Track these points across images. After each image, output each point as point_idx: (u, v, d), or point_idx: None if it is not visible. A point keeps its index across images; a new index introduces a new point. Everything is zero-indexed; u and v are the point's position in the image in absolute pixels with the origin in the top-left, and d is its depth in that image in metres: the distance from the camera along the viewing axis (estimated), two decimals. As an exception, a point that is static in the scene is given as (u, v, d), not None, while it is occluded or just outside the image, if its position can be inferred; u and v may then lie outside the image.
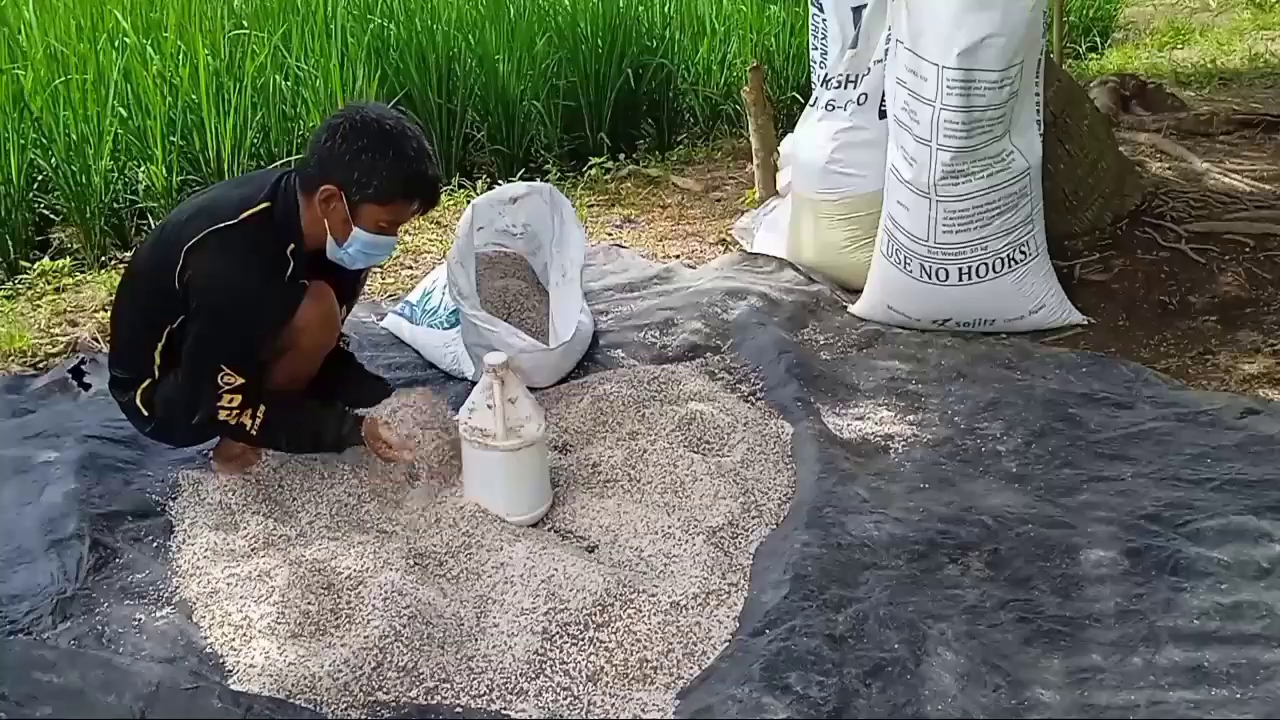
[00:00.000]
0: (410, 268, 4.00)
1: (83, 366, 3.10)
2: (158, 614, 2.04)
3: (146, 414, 2.45)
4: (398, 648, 1.94)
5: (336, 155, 2.23)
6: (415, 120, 2.30)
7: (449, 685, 1.90)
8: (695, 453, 2.55)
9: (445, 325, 3.04)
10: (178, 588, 2.14)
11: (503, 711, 1.85)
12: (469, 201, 3.18)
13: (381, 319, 3.35)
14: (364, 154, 2.22)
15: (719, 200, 4.71)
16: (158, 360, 2.40)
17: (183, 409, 2.37)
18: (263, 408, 2.36)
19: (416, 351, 3.16)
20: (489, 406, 2.28)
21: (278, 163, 4.32)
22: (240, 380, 2.31)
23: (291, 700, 1.84)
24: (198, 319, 2.31)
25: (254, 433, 2.37)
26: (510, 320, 2.97)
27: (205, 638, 2.00)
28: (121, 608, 2.05)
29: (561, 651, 1.96)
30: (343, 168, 2.24)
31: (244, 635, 1.99)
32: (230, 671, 1.91)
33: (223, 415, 2.34)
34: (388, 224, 2.31)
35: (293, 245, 2.33)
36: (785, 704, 1.77)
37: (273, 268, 2.31)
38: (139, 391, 2.44)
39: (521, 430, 2.28)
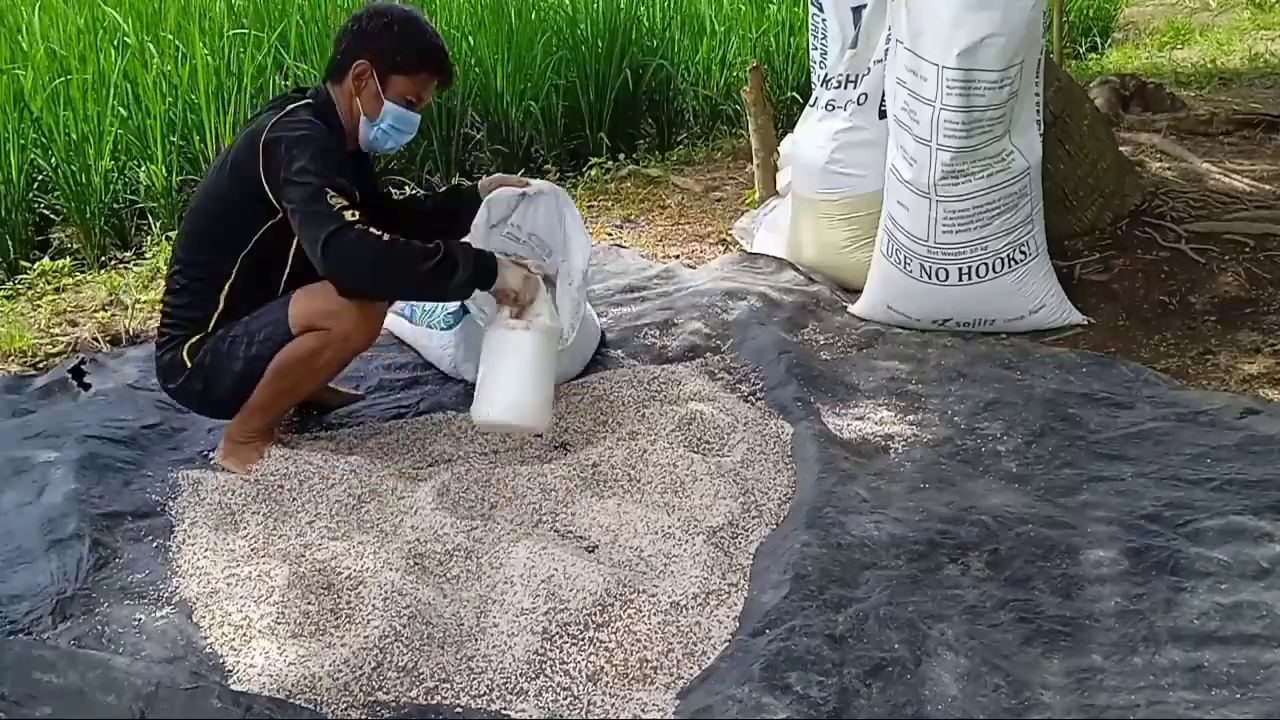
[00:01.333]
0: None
1: (83, 366, 3.10)
2: (158, 614, 2.04)
3: (189, 365, 2.50)
4: (397, 648, 1.94)
5: (367, 33, 2.51)
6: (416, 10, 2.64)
7: (449, 685, 1.90)
8: (695, 453, 2.55)
9: (443, 326, 3.04)
10: (178, 588, 2.13)
11: (503, 711, 1.85)
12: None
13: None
14: (392, 27, 2.50)
15: (719, 200, 4.71)
16: (221, 304, 2.50)
17: (309, 240, 2.37)
18: (384, 232, 2.37)
19: (416, 352, 3.16)
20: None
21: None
22: (346, 201, 2.35)
23: (291, 700, 1.83)
24: (291, 167, 2.38)
25: (386, 243, 2.34)
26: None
27: (205, 638, 1.99)
28: (121, 608, 2.05)
29: (561, 651, 1.96)
30: (374, 40, 2.50)
31: (244, 635, 1.99)
32: (230, 671, 1.91)
33: (349, 216, 2.33)
34: (414, 97, 2.55)
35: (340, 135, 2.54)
36: (785, 704, 1.77)
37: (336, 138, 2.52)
38: (186, 346, 2.50)
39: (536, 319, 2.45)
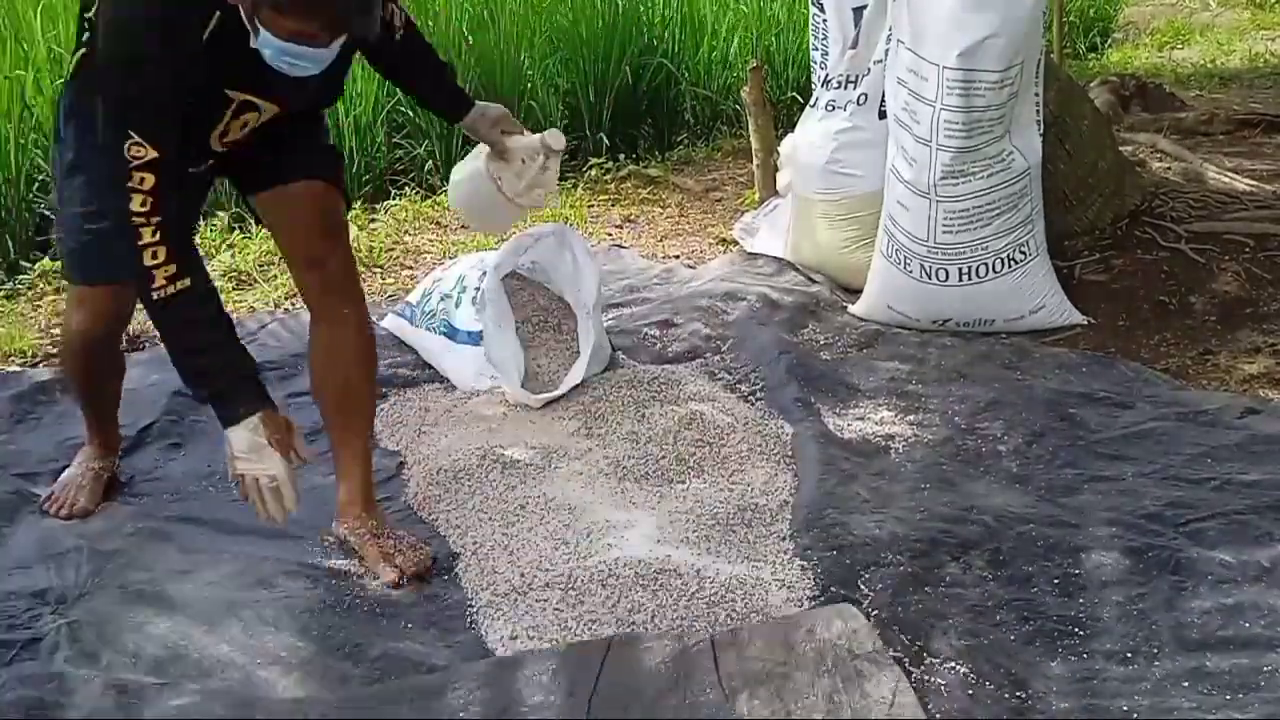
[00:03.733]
0: (410, 268, 4.01)
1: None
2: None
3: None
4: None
5: None
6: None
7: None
8: (695, 453, 2.56)
9: (440, 331, 3.04)
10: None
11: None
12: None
13: (382, 319, 3.34)
14: None
15: (719, 200, 4.71)
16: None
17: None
18: (176, 272, 1.84)
19: (418, 353, 3.16)
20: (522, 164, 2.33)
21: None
22: (153, 154, 1.81)
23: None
24: (99, 67, 1.89)
25: (153, 287, 1.83)
26: (542, 335, 2.99)
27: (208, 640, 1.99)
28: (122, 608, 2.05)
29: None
30: None
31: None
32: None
33: (134, 206, 1.81)
34: (293, 34, 1.80)
35: (219, 13, 1.85)
36: (786, 704, 1.77)
37: (184, 14, 1.85)
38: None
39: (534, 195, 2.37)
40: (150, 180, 1.81)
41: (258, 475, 1.91)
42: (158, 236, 1.82)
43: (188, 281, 1.85)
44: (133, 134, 1.81)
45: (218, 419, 1.93)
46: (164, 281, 1.83)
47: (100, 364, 2.37)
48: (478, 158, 2.39)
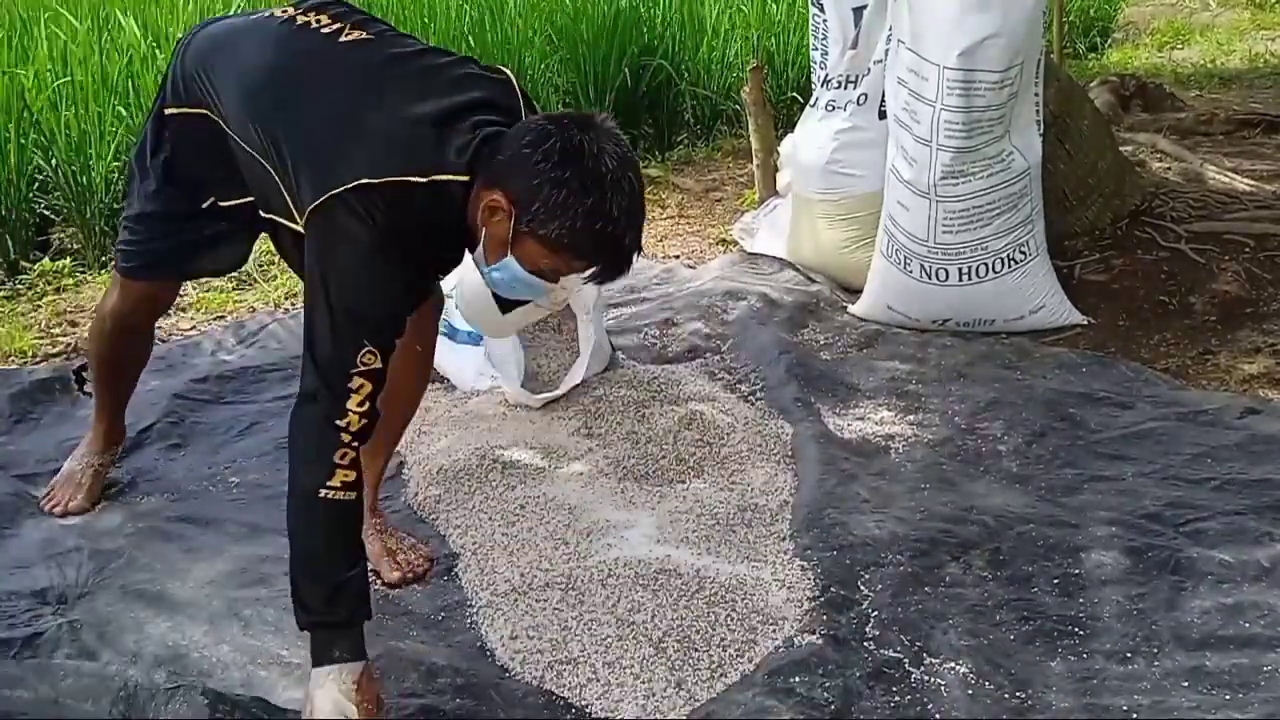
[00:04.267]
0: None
1: (84, 372, 3.09)
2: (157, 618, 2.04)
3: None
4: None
5: (526, 170, 1.69)
6: (639, 165, 1.79)
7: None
8: (695, 453, 2.56)
9: (442, 331, 3.03)
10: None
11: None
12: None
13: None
14: (558, 188, 1.67)
15: (719, 200, 4.70)
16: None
17: (304, 381, 1.77)
18: (356, 499, 1.74)
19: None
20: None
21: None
22: (378, 365, 1.74)
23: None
24: (337, 285, 1.74)
25: (323, 494, 1.70)
26: (542, 335, 2.98)
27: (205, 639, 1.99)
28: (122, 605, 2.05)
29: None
30: (525, 187, 1.69)
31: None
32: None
33: (353, 415, 1.72)
34: (548, 271, 1.76)
35: (455, 227, 1.81)
36: (789, 706, 1.77)
37: (428, 239, 1.81)
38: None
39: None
40: (369, 389, 1.73)
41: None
42: (356, 444, 1.73)
43: (355, 495, 1.73)
44: (367, 343, 1.72)
45: (310, 655, 1.74)
46: (340, 485, 1.71)
47: (127, 348, 2.36)
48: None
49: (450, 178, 1.75)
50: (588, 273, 1.76)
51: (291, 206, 1.85)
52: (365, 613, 1.75)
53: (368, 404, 1.72)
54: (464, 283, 2.37)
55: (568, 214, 1.68)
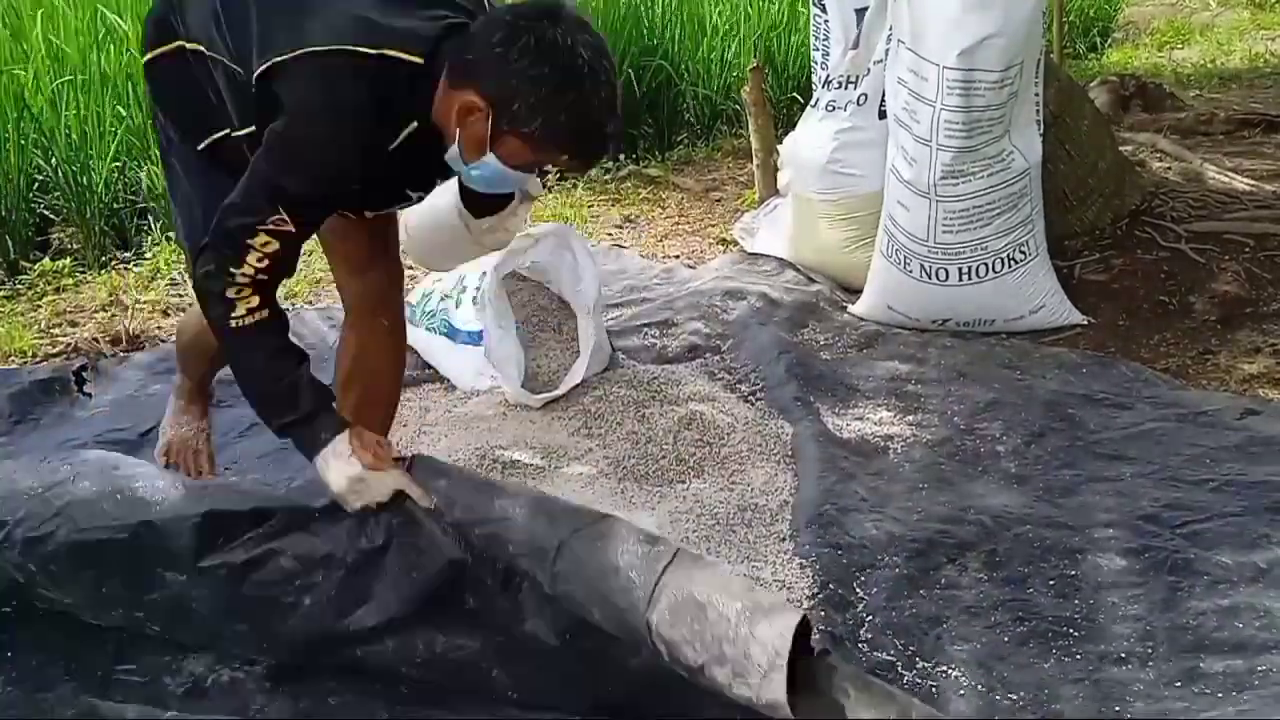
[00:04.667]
0: (410, 268, 3.99)
1: (84, 373, 3.10)
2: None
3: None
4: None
5: (501, 69, 1.67)
6: (609, 48, 1.77)
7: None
8: (695, 453, 2.56)
9: (440, 331, 3.04)
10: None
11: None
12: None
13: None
14: (538, 85, 1.67)
15: (719, 200, 4.70)
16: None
17: (208, 233, 1.79)
18: (269, 315, 1.78)
19: (417, 353, 3.16)
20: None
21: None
22: (289, 229, 1.75)
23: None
24: (271, 154, 1.76)
25: (232, 324, 1.76)
26: (542, 335, 2.98)
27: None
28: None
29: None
30: (502, 87, 1.68)
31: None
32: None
33: (252, 263, 1.74)
34: (529, 164, 1.79)
35: (415, 124, 1.79)
36: (785, 704, 1.77)
37: (378, 131, 1.79)
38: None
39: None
40: (274, 247, 1.74)
41: (374, 506, 1.77)
42: (251, 287, 1.75)
43: (267, 313, 1.78)
44: (282, 211, 1.74)
45: (304, 455, 1.80)
46: (245, 312, 1.75)
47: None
48: (447, 192, 2.18)
49: (402, 55, 1.72)
50: (568, 161, 1.82)
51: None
52: (327, 395, 1.82)
53: (268, 262, 1.74)
54: (410, 223, 2.27)
55: (548, 111, 1.68)
